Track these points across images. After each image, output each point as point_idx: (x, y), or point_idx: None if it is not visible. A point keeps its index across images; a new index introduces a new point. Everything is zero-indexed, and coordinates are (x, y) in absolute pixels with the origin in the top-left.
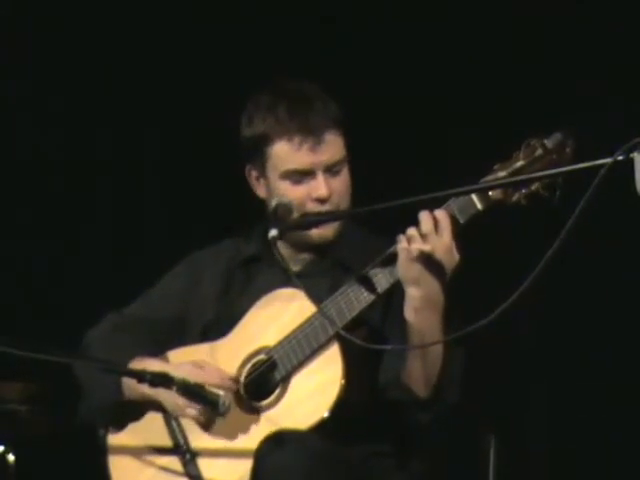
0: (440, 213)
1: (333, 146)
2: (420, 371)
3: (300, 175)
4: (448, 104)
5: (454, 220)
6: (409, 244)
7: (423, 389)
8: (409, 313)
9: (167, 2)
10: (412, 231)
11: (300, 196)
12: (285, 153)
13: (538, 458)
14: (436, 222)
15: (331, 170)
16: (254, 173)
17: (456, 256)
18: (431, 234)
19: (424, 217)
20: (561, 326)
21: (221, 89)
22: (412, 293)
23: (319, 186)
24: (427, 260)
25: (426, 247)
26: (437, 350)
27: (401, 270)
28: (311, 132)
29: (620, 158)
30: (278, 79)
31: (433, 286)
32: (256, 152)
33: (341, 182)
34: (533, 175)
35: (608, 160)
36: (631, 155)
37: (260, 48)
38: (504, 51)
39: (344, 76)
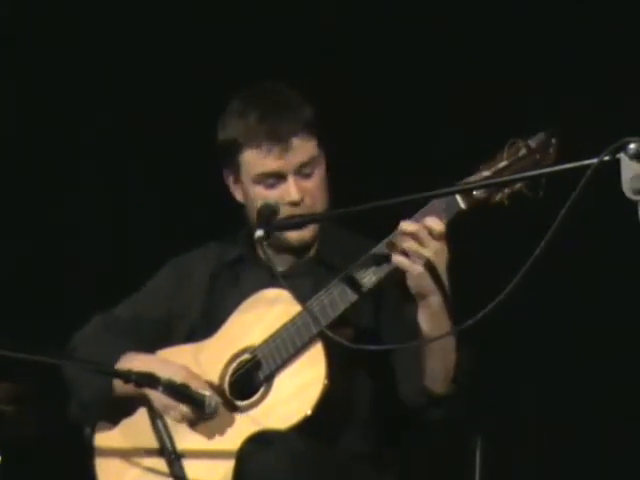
0: (431, 220)
1: (302, 150)
2: (441, 370)
3: (271, 179)
4: (434, 105)
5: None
6: (410, 260)
7: (441, 385)
8: (427, 321)
9: (167, 2)
10: (410, 244)
11: (273, 200)
12: (254, 159)
13: (525, 459)
14: (428, 228)
15: (302, 172)
16: (231, 177)
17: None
18: (429, 242)
19: (412, 227)
20: (550, 326)
21: (222, 88)
22: (429, 302)
23: (290, 190)
24: (432, 267)
25: (428, 256)
26: (452, 345)
27: (414, 286)
28: (279, 139)
29: (606, 159)
30: (256, 82)
31: (443, 288)
32: (230, 157)
33: (313, 183)
34: (518, 176)
35: (594, 161)
36: (617, 156)
37: (260, 48)
38: (502, 50)
39: (343, 76)
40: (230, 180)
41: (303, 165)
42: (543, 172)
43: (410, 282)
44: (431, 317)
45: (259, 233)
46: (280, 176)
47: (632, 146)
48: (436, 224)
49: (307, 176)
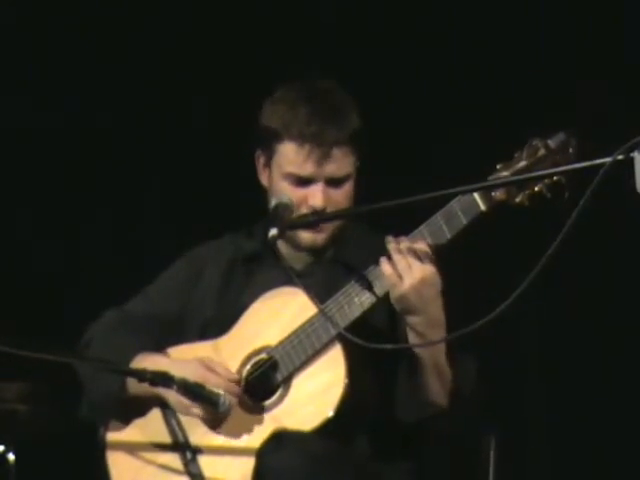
0: (415, 243)
1: (340, 162)
2: (439, 385)
3: (301, 180)
4: (450, 103)
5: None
6: (397, 279)
7: (444, 400)
8: (414, 340)
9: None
10: (386, 268)
11: (297, 199)
12: (292, 156)
13: (538, 458)
14: (414, 252)
15: (333, 182)
16: (262, 159)
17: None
18: (407, 267)
19: (396, 257)
20: (560, 326)
21: (224, 88)
22: (412, 321)
23: (316, 195)
24: (417, 289)
25: (413, 278)
26: (443, 360)
27: (395, 303)
28: (322, 145)
29: (620, 157)
30: (311, 77)
31: (430, 308)
32: (267, 142)
33: (341, 195)
34: (532, 174)
35: (608, 159)
36: (631, 154)
37: (261, 49)
38: (505, 50)
39: (346, 75)
40: (260, 162)
41: (337, 177)
42: (555, 171)
43: (392, 298)
44: (415, 335)
45: (272, 232)
46: (310, 180)
47: None
48: (417, 245)
49: (337, 186)
